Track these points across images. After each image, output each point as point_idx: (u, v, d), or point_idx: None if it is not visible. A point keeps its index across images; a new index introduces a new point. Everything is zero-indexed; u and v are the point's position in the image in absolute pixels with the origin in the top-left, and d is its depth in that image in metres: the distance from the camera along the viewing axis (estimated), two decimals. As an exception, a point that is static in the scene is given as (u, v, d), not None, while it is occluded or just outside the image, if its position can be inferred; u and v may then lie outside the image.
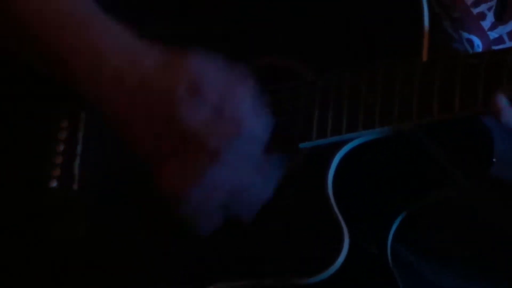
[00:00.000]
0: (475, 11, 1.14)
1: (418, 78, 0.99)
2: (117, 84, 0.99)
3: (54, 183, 1.14)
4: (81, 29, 1.02)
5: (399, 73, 1.00)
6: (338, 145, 1.03)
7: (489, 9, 1.13)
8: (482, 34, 1.14)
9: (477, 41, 1.15)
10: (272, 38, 1.11)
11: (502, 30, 1.14)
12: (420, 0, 1.04)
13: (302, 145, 1.05)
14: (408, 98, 0.98)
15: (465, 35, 1.14)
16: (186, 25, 1.14)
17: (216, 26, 1.13)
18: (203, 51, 1.00)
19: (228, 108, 0.97)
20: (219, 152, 0.97)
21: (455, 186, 1.06)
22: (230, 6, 1.13)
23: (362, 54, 1.06)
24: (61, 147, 1.15)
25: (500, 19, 1.12)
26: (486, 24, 1.14)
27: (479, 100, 0.94)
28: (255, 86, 1.01)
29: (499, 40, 1.14)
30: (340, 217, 1.01)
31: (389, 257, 1.04)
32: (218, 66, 1.00)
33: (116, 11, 1.04)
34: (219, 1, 1.14)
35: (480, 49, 1.14)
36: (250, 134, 0.99)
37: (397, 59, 1.02)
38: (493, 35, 1.15)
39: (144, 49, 1.01)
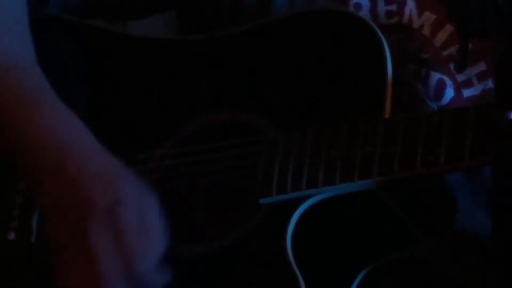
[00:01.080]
0: (444, 53, 1.16)
1: (381, 136, 0.99)
2: (55, 171, 0.99)
3: (11, 235, 1.14)
4: (29, 106, 1.02)
5: (362, 129, 1.00)
6: (299, 201, 1.02)
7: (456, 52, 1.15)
8: (451, 76, 1.16)
9: (448, 82, 1.16)
10: (233, 92, 1.12)
11: (470, 72, 1.16)
12: (384, 53, 1.04)
13: (262, 200, 1.04)
14: (370, 156, 0.98)
15: (436, 75, 1.15)
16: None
17: (178, 79, 1.13)
18: (139, 177, 1.02)
19: (132, 246, 0.98)
20: (106, 278, 0.98)
21: (416, 245, 1.05)
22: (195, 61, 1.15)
23: (323, 108, 1.06)
24: (20, 199, 1.15)
25: (461, 70, 1.13)
26: (453, 67, 1.16)
27: (441, 158, 0.94)
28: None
29: (468, 82, 1.16)
30: (299, 275, 1.00)
31: None
32: (142, 199, 1.00)
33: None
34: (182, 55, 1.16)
35: (452, 89, 1.15)
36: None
37: (360, 114, 1.03)
38: (461, 77, 1.16)
39: (88, 147, 1.02)
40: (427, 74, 1.16)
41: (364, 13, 1.16)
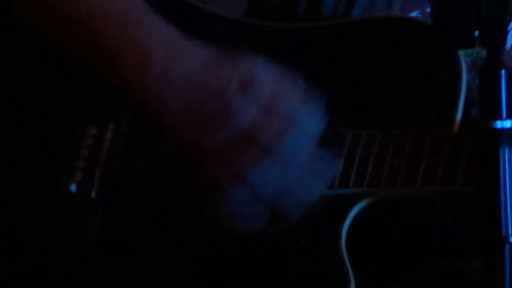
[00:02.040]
0: None
1: (448, 149, 0.99)
2: (165, 81, 1.00)
3: (73, 187, 1.14)
4: (132, 26, 1.04)
5: (430, 140, 1.00)
6: (356, 198, 1.03)
7: None
8: None
9: None
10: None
11: None
12: (460, 66, 1.03)
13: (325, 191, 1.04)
14: (434, 166, 0.98)
15: None
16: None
17: None
18: (251, 51, 1.01)
19: (280, 104, 0.97)
20: (271, 148, 0.97)
21: (464, 260, 1.05)
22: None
23: (392, 112, 1.05)
24: (85, 153, 1.14)
25: None
26: None
27: None
28: (305, 85, 1.00)
29: None
30: (349, 269, 1.03)
31: None
32: (267, 65, 0.99)
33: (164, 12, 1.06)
34: None
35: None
36: (302, 130, 0.99)
37: (429, 124, 1.03)
38: None
39: (192, 48, 1.02)
40: None
41: None
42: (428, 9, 1.15)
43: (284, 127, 0.97)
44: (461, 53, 1.03)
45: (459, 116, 1.02)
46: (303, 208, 1.01)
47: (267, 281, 1.06)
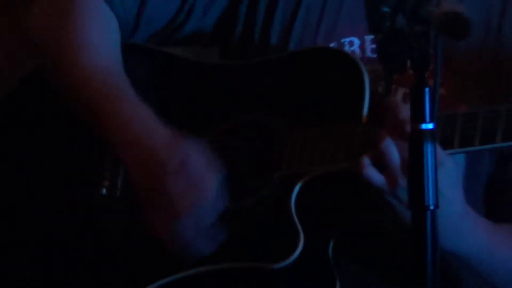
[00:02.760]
0: None
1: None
2: (133, 146, 1.34)
3: (103, 191, 1.48)
4: (116, 101, 1.37)
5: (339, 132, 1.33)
6: (302, 175, 1.32)
7: None
8: None
9: None
10: (258, 102, 1.45)
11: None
12: (363, 79, 1.32)
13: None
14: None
15: None
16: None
17: (218, 92, 1.50)
18: (194, 139, 1.35)
19: (200, 185, 1.31)
20: (188, 211, 1.30)
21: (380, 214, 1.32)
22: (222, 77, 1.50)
23: (316, 115, 1.36)
24: (109, 167, 1.49)
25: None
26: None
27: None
28: (221, 174, 1.34)
29: None
30: (298, 225, 1.31)
31: (330, 255, 1.35)
32: (199, 151, 1.33)
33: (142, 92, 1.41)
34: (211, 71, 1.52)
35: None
36: (208, 207, 1.31)
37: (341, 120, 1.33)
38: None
39: (158, 127, 1.35)
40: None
41: (355, 48, 1.47)
42: (345, 39, 1.47)
43: (199, 202, 1.30)
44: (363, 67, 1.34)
45: (365, 111, 1.31)
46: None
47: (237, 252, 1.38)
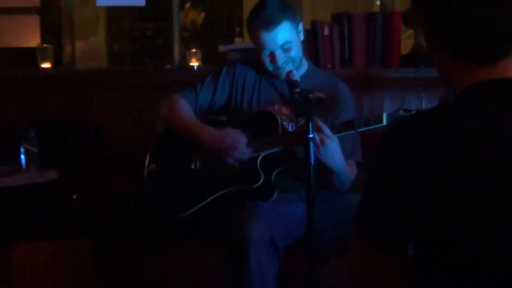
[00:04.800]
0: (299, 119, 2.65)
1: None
2: (209, 141, 2.63)
3: (193, 166, 2.76)
4: (197, 128, 2.70)
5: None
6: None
7: None
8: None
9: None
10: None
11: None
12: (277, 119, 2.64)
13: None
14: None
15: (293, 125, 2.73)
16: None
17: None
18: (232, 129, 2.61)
19: (233, 145, 2.56)
20: (230, 152, 2.58)
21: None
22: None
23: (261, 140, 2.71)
24: (194, 157, 2.77)
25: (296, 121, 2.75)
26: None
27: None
28: (246, 139, 2.58)
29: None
30: (260, 170, 2.56)
31: (272, 179, 2.61)
32: (232, 131, 2.61)
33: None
34: None
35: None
36: (239, 151, 2.57)
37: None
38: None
39: (213, 129, 2.63)
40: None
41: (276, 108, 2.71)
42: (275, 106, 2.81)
43: (232, 150, 2.59)
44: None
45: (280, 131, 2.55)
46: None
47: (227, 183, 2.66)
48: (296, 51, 2.56)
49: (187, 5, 6.78)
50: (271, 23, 2.47)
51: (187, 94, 2.71)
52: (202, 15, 7.01)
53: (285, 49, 2.51)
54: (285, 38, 2.50)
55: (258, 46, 2.53)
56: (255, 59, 2.65)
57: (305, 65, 2.74)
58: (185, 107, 2.69)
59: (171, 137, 2.71)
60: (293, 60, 2.56)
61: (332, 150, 2.33)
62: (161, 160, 2.72)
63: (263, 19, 2.48)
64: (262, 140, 2.55)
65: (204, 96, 2.72)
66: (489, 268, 1.14)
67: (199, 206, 2.55)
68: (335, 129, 2.37)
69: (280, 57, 2.52)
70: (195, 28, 6.87)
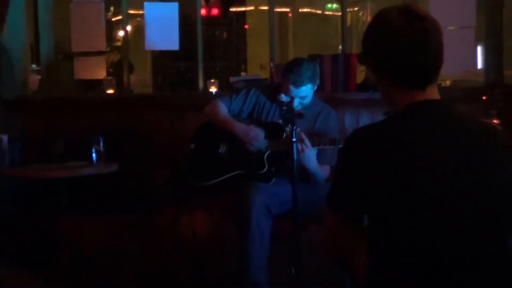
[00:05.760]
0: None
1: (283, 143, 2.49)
2: (240, 132, 2.52)
3: (221, 150, 2.62)
4: (232, 122, 2.57)
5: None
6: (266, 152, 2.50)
7: None
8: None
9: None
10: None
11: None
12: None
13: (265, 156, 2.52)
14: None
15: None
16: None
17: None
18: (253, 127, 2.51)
19: (253, 136, 2.49)
20: (253, 142, 2.48)
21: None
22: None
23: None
24: (224, 143, 2.62)
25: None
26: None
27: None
28: (263, 135, 2.51)
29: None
30: (266, 163, 2.49)
31: (274, 171, 2.51)
32: (254, 127, 2.52)
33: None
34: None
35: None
36: (258, 144, 2.49)
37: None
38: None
39: (242, 124, 2.54)
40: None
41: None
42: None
43: (255, 139, 2.50)
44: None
45: (284, 135, 2.40)
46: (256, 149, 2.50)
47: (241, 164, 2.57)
48: (309, 99, 2.58)
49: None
50: (301, 84, 2.47)
51: (225, 100, 2.69)
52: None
53: (302, 97, 2.54)
54: (305, 93, 2.52)
55: (285, 89, 2.52)
56: (272, 87, 2.70)
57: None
58: (223, 108, 2.67)
59: (208, 128, 2.67)
60: (303, 104, 2.59)
61: (309, 156, 2.37)
62: (199, 143, 2.68)
63: (296, 80, 2.46)
64: (272, 141, 2.56)
65: (236, 104, 2.70)
66: (412, 238, 1.17)
67: (218, 179, 2.54)
68: (321, 143, 2.42)
69: (296, 103, 2.54)
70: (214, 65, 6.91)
